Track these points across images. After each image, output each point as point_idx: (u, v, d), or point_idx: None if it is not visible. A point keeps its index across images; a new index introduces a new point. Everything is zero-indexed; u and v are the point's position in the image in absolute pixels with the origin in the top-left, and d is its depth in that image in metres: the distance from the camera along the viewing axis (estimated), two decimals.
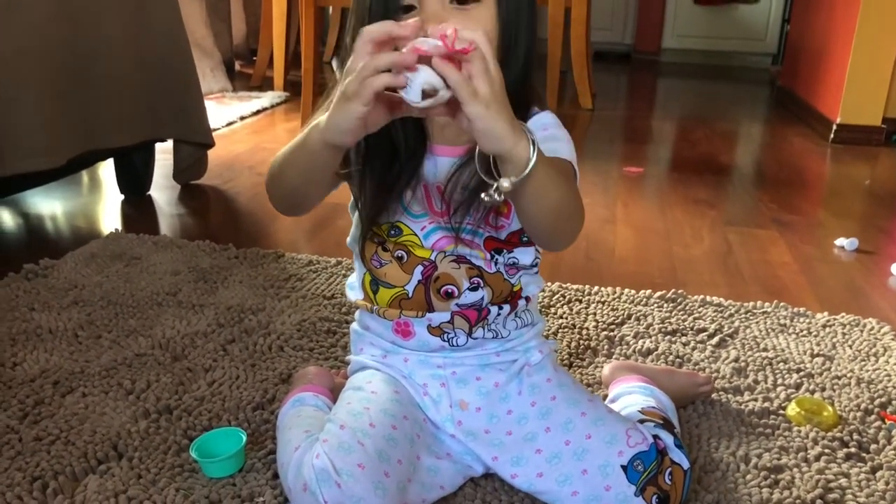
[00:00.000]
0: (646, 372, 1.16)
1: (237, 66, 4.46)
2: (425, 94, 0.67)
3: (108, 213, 2.02)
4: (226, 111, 3.13)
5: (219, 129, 2.89)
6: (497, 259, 0.92)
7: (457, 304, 0.92)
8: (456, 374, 0.94)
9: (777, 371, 1.28)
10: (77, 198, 2.13)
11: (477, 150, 0.75)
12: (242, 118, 3.07)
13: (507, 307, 0.93)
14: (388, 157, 0.88)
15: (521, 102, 0.85)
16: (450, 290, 0.92)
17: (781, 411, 1.17)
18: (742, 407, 1.17)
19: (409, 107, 0.68)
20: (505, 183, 0.70)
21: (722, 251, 1.88)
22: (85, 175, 2.33)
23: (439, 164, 0.89)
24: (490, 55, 0.66)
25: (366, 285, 0.96)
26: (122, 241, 1.73)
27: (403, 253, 0.92)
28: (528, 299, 0.96)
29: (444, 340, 0.93)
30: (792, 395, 1.21)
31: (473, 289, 0.92)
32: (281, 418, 1.00)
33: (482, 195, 0.72)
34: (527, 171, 0.69)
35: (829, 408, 1.16)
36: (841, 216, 2.22)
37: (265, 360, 1.24)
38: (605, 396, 1.15)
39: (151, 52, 1.96)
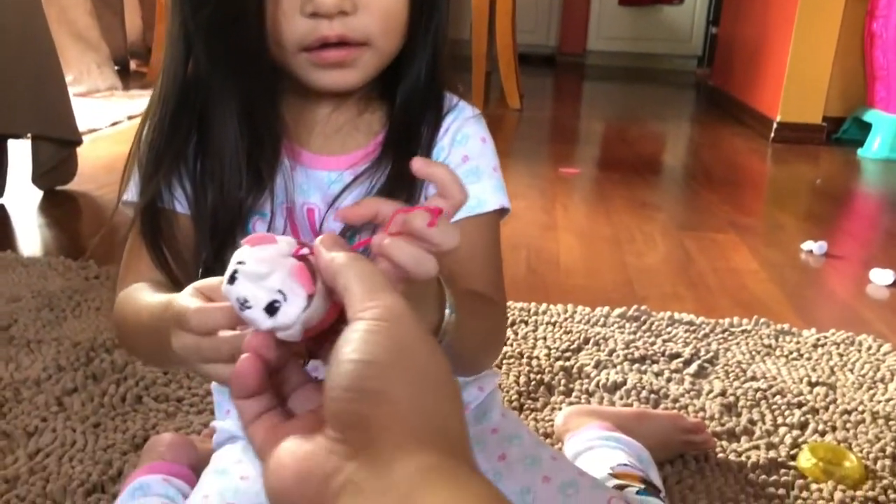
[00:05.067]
0: (609, 417, 0.89)
1: (133, 66, 4.05)
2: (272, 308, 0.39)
3: None
4: (112, 109, 2.76)
5: (102, 129, 2.52)
6: None
7: None
8: None
9: (774, 407, 1.03)
10: None
11: None
12: (130, 117, 2.71)
13: None
14: (231, 164, 0.58)
15: (433, 94, 0.63)
16: None
17: (792, 462, 0.91)
18: (742, 458, 0.91)
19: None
20: None
21: (681, 259, 1.63)
22: None
23: (312, 178, 0.61)
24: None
25: None
26: None
27: None
28: None
29: None
30: (800, 440, 0.96)
31: None
32: None
33: None
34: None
35: (851, 456, 0.91)
36: (800, 218, 2.02)
37: (114, 418, 0.92)
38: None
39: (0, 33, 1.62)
